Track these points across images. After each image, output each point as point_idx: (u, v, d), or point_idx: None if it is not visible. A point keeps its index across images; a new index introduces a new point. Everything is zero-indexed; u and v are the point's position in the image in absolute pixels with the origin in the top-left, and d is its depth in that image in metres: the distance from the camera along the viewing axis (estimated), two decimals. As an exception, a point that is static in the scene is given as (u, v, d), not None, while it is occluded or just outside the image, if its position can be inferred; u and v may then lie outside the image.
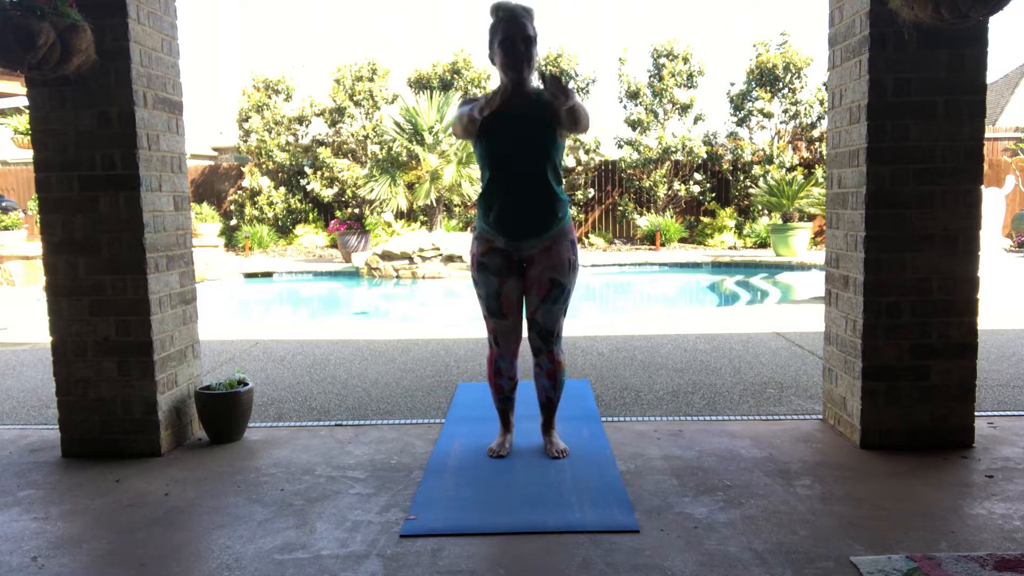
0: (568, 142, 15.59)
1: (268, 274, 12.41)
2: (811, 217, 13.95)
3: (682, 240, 15.20)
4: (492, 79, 15.75)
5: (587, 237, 15.51)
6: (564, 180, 15.27)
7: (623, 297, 10.77)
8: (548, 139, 2.89)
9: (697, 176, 15.26)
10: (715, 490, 2.71)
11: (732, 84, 15.31)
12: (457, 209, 15.28)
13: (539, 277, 2.97)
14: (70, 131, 3.09)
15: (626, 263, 12.59)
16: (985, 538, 2.31)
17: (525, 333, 3.09)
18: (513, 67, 2.87)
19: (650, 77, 15.29)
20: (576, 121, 2.79)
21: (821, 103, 14.67)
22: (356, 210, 15.41)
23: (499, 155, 2.90)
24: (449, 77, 15.66)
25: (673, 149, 15.07)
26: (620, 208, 15.50)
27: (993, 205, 7.51)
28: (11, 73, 6.41)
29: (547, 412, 3.15)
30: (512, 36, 2.85)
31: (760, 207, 14.66)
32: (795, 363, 4.71)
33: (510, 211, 2.92)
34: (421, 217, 15.10)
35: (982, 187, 3.05)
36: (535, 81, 2.96)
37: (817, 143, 15.01)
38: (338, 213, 15.20)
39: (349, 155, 15.96)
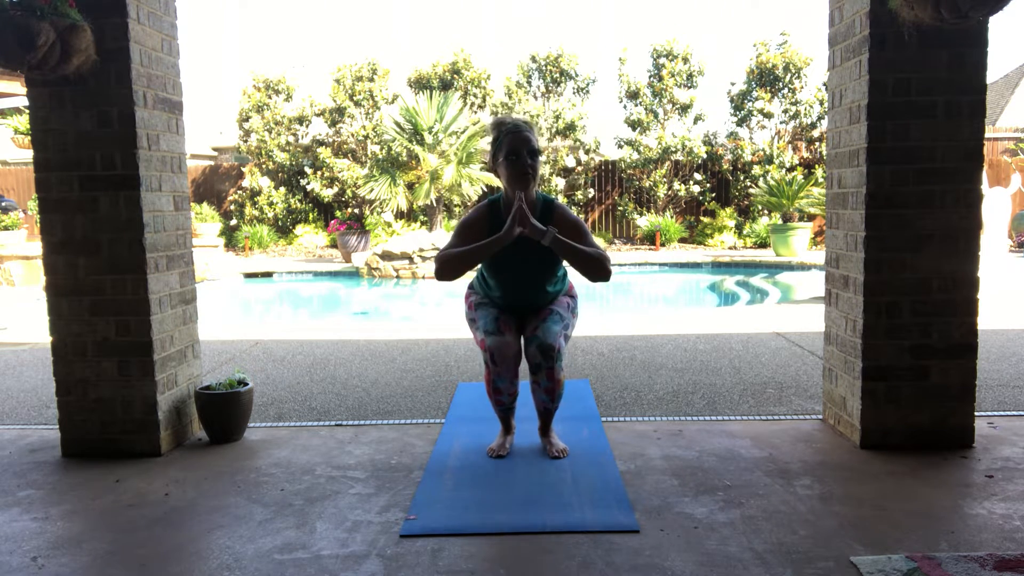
0: (568, 142, 15.63)
1: (268, 274, 12.41)
2: (811, 217, 13.95)
3: (682, 240, 15.20)
4: (492, 78, 15.76)
5: (587, 237, 15.48)
6: (564, 181, 15.13)
7: (623, 297, 10.76)
8: (550, 254, 2.94)
9: (697, 176, 15.27)
10: (715, 490, 2.71)
11: (732, 84, 15.32)
12: (457, 209, 15.27)
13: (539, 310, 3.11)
14: (70, 131, 3.09)
15: (626, 263, 12.58)
16: (985, 538, 2.31)
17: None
18: (520, 181, 2.88)
19: (650, 77, 15.30)
20: (584, 266, 2.83)
21: (821, 103, 14.67)
22: (356, 210, 15.41)
23: (501, 266, 3.00)
24: (449, 77, 15.65)
25: (673, 149, 15.07)
26: (620, 208, 15.50)
27: (998, 205, 7.50)
28: (11, 73, 6.41)
29: (544, 419, 3.15)
30: (518, 150, 2.86)
31: (760, 207, 14.66)
32: (795, 363, 4.71)
33: (510, 297, 3.07)
34: (421, 217, 15.09)
35: (983, 187, 3.05)
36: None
37: (817, 143, 15.01)
38: (338, 213, 15.21)
39: (349, 155, 15.96)
